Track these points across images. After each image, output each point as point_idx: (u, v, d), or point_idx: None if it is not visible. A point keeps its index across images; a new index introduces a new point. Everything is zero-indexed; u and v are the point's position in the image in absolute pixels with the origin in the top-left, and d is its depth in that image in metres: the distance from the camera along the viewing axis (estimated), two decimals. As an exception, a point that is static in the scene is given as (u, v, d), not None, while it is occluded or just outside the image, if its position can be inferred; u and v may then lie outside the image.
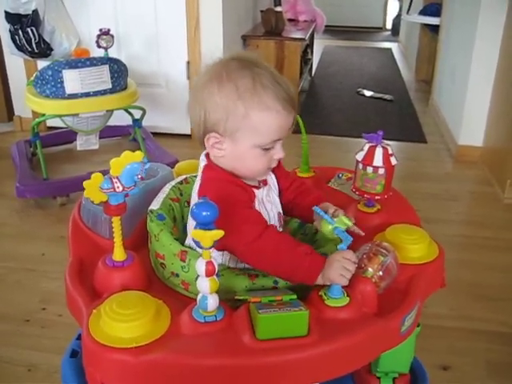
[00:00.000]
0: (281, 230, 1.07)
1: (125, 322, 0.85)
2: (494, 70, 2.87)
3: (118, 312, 0.86)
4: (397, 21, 7.42)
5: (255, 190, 1.01)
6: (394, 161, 1.15)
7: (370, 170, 1.15)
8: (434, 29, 4.34)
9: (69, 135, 2.80)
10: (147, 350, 0.83)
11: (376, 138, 1.15)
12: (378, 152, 1.14)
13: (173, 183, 1.17)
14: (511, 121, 2.55)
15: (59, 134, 3.00)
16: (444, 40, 3.92)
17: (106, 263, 0.99)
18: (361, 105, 4.19)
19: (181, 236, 1.09)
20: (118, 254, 0.98)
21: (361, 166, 1.17)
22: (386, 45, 7.05)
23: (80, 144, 2.54)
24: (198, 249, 0.85)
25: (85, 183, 0.91)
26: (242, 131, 0.95)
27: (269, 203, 1.05)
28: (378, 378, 1.26)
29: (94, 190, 0.92)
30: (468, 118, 3.00)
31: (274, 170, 1.08)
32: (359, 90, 4.51)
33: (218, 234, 0.79)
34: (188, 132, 3.33)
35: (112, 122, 2.62)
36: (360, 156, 1.17)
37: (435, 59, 4.16)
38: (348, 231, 0.95)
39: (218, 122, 0.96)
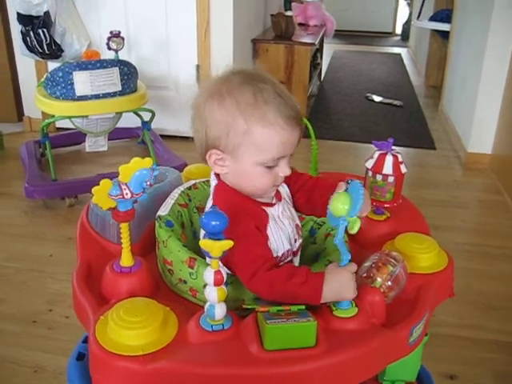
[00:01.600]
0: (300, 241, 1.05)
1: (132, 330, 0.85)
2: (505, 77, 2.86)
3: (126, 319, 0.86)
4: (407, 26, 7.42)
5: (269, 209, 0.99)
6: (403, 169, 1.14)
7: (379, 177, 1.15)
8: (444, 35, 4.33)
9: (78, 136, 2.82)
10: (154, 358, 0.82)
11: (386, 145, 1.14)
12: (388, 160, 1.13)
13: (181, 188, 1.16)
14: (521, 129, 2.54)
15: (68, 135, 3.01)
16: (454, 46, 3.90)
17: (114, 268, 0.99)
18: (370, 110, 4.18)
19: (189, 242, 1.09)
20: (126, 259, 0.98)
21: (370, 173, 1.16)
22: (396, 50, 7.04)
23: (89, 145, 2.55)
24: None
25: (93, 189, 0.91)
26: (243, 148, 0.93)
27: (286, 219, 1.01)
28: (385, 386, 1.26)
29: (102, 196, 0.91)
30: (478, 126, 2.99)
31: (287, 183, 1.06)
32: (368, 95, 4.51)
33: (227, 244, 0.79)
34: (196, 135, 3.33)
35: (121, 124, 2.63)
36: (370, 164, 1.16)
37: (445, 65, 4.15)
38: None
39: (218, 138, 0.94)
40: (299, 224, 1.07)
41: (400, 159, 1.15)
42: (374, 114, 4.09)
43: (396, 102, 4.29)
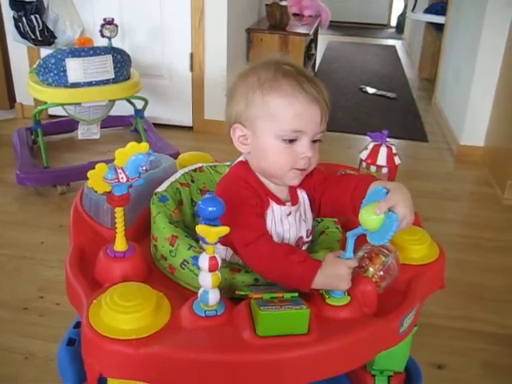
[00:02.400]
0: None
1: (125, 314, 0.85)
2: (498, 71, 2.87)
3: (119, 303, 0.86)
4: (402, 18, 7.41)
5: (274, 204, 0.98)
6: (397, 160, 1.15)
7: (373, 168, 1.15)
8: (439, 27, 4.33)
9: (70, 124, 2.80)
10: (147, 342, 0.83)
11: (381, 137, 1.15)
12: (382, 151, 1.14)
13: (186, 170, 1.18)
14: (513, 122, 2.55)
15: (60, 122, 2.99)
16: (448, 39, 3.91)
17: (107, 253, 0.99)
18: (363, 102, 4.18)
19: (188, 220, 1.12)
20: (120, 244, 0.98)
21: (364, 164, 1.17)
22: (391, 42, 7.04)
23: (81, 133, 2.53)
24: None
25: (89, 173, 0.91)
26: (261, 119, 0.94)
27: (287, 223, 1.00)
28: (373, 375, 1.27)
29: (97, 179, 0.91)
30: (470, 119, 3.00)
31: (310, 193, 1.04)
32: (362, 86, 4.51)
33: (223, 230, 0.79)
34: (190, 124, 3.32)
35: (114, 112, 2.61)
36: (364, 155, 1.17)
37: (439, 58, 4.15)
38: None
39: (240, 113, 0.96)
40: (304, 238, 1.03)
41: (394, 151, 1.16)
42: (367, 105, 4.09)
43: (390, 94, 4.29)
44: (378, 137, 1.15)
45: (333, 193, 1.01)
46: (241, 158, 1.02)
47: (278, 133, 0.93)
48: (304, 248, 1.04)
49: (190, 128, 3.30)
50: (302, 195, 1.03)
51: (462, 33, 3.44)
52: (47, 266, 1.87)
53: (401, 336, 0.98)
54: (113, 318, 0.85)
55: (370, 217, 0.83)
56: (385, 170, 1.15)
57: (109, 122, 2.78)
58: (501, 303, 1.82)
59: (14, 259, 1.92)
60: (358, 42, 6.85)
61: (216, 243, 0.80)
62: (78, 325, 1.37)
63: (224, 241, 0.84)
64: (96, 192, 1.12)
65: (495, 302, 1.82)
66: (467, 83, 3.05)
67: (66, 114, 2.53)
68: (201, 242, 0.96)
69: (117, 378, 0.88)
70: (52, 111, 3.19)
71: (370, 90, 4.41)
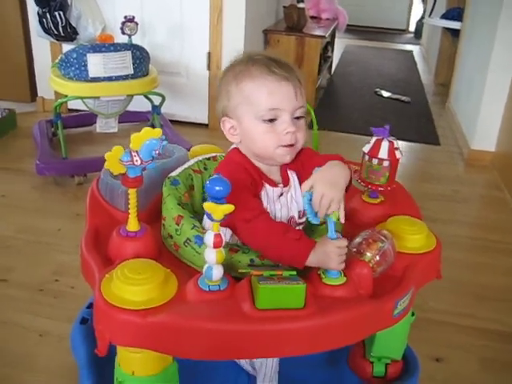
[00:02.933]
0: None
1: (135, 286, 0.91)
2: (510, 77, 2.89)
3: (129, 276, 0.92)
4: (420, 24, 7.42)
5: (267, 186, 1.05)
6: (398, 154, 1.20)
7: (375, 161, 1.20)
8: (456, 33, 4.35)
9: (89, 118, 2.89)
10: (154, 312, 0.89)
11: (383, 131, 1.20)
12: (384, 145, 1.19)
13: (200, 158, 1.24)
14: (524, 127, 2.58)
15: (79, 116, 3.08)
16: (464, 45, 3.94)
17: (120, 233, 1.05)
18: (378, 105, 4.22)
19: (195, 204, 1.17)
20: (132, 224, 1.04)
21: (367, 157, 1.22)
22: (408, 47, 7.06)
23: (100, 126, 2.61)
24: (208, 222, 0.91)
25: (106, 155, 0.97)
26: (240, 107, 1.02)
27: (279, 204, 1.06)
28: (371, 362, 1.32)
29: (114, 161, 0.98)
30: (482, 123, 3.03)
31: (299, 173, 1.10)
32: (377, 90, 4.55)
33: (228, 208, 0.85)
34: (205, 121, 3.39)
35: (132, 107, 2.69)
36: (366, 148, 1.22)
37: (454, 63, 4.18)
38: None
39: (225, 106, 1.05)
40: (295, 217, 1.09)
41: (395, 145, 1.21)
42: (381, 108, 4.13)
43: (404, 98, 4.32)
44: (380, 131, 1.20)
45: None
46: (234, 146, 1.10)
47: (257, 114, 1.01)
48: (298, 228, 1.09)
49: (205, 125, 3.37)
50: (293, 177, 1.10)
51: (477, 38, 3.47)
52: (63, 251, 1.94)
53: (395, 318, 1.02)
54: (123, 290, 0.91)
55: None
56: (386, 164, 1.20)
57: (126, 117, 2.85)
58: (504, 302, 1.86)
59: (31, 244, 2.00)
60: (376, 47, 6.88)
61: (221, 220, 0.86)
62: (90, 305, 1.44)
63: (224, 222, 0.90)
64: (112, 174, 1.20)
65: (499, 302, 1.86)
66: (480, 88, 3.08)
67: (85, 108, 2.61)
68: (203, 223, 1.04)
69: (125, 345, 0.94)
70: (71, 105, 3.28)
71: (385, 94, 4.44)
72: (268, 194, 1.05)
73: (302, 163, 1.09)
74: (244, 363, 1.34)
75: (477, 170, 3.00)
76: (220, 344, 0.88)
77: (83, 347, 1.33)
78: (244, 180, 1.01)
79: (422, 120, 3.92)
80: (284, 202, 1.07)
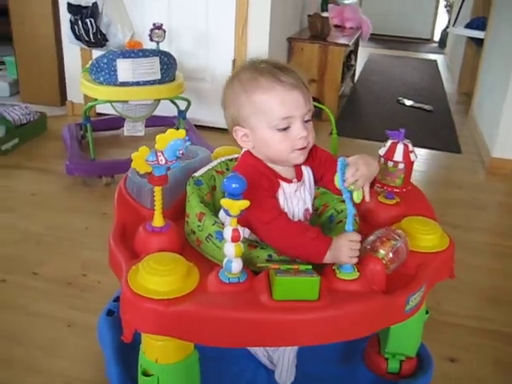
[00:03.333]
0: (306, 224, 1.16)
1: (159, 277, 0.97)
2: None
3: (154, 267, 0.99)
4: (445, 33, 7.42)
5: (284, 184, 1.11)
6: (413, 157, 1.24)
7: (390, 164, 1.25)
8: (479, 42, 4.36)
9: (116, 122, 2.98)
10: (177, 301, 0.95)
11: (398, 135, 1.24)
12: (399, 148, 1.24)
13: (223, 159, 1.30)
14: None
15: (108, 120, 3.18)
16: (487, 54, 3.95)
17: (146, 228, 1.11)
18: (400, 113, 4.25)
19: (217, 203, 1.22)
20: (158, 220, 1.10)
21: (382, 160, 1.26)
22: (432, 56, 7.05)
23: (127, 130, 2.69)
24: (227, 218, 0.97)
25: (133, 155, 1.04)
26: (253, 117, 1.07)
27: (296, 198, 1.13)
28: (386, 359, 1.36)
29: (140, 161, 1.05)
30: (503, 132, 3.05)
31: (314, 167, 1.16)
32: (400, 98, 4.57)
33: (244, 204, 0.91)
34: (229, 127, 3.45)
35: (158, 112, 2.77)
36: (382, 151, 1.27)
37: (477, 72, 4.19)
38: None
39: (235, 116, 1.10)
40: (310, 209, 1.16)
41: (410, 148, 1.25)
42: (403, 116, 4.16)
43: (426, 107, 4.34)
44: (395, 135, 1.25)
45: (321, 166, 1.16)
46: (245, 149, 1.15)
47: (271, 124, 1.06)
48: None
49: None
50: (307, 170, 1.16)
51: (499, 48, 3.48)
52: (91, 248, 2.02)
53: (407, 314, 1.06)
54: (148, 280, 0.97)
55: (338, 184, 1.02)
56: (401, 166, 1.24)
57: (153, 121, 2.93)
58: (519, 307, 1.88)
59: (60, 240, 2.08)
60: (399, 56, 6.90)
61: (238, 216, 0.91)
62: (117, 299, 1.50)
63: (243, 222, 0.95)
64: (138, 173, 1.27)
65: (513, 306, 1.88)
66: (501, 97, 3.09)
67: (113, 112, 2.70)
68: (220, 217, 1.10)
69: (149, 333, 1.00)
70: (100, 109, 3.38)
71: (408, 102, 4.46)
72: (285, 191, 1.11)
73: (319, 160, 1.16)
74: (262, 357, 1.39)
75: (497, 179, 3.02)
76: (238, 332, 0.94)
77: (109, 337, 1.40)
78: (260, 181, 1.06)
79: (444, 128, 3.93)
80: (300, 196, 1.13)
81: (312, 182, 1.17)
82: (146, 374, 1.08)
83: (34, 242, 2.07)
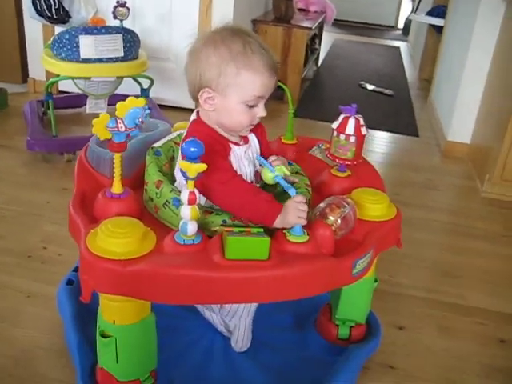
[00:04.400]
0: (257, 185, 1.22)
1: (117, 239, 1.01)
2: (486, 72, 3.02)
3: (112, 230, 1.03)
4: (408, 21, 7.54)
5: (234, 146, 1.17)
6: (364, 131, 1.30)
7: (342, 137, 1.31)
8: (440, 30, 4.46)
9: (79, 100, 2.97)
10: (134, 262, 0.99)
11: (350, 110, 1.30)
12: (351, 122, 1.30)
13: (182, 131, 1.33)
14: (496, 121, 2.70)
15: (70, 97, 3.15)
16: (445, 41, 4.06)
17: (105, 194, 1.15)
18: (361, 97, 4.33)
19: (173, 173, 1.25)
20: (117, 187, 1.14)
21: (335, 133, 1.32)
22: (396, 43, 7.18)
23: (89, 107, 2.68)
24: (184, 182, 1.01)
25: (94, 121, 1.07)
26: (232, 87, 1.12)
27: (246, 160, 1.20)
28: (337, 325, 1.43)
29: (100, 127, 1.08)
30: (458, 117, 3.15)
31: (257, 136, 1.24)
32: (362, 83, 4.66)
33: (201, 166, 0.95)
34: (193, 106, 3.46)
35: (121, 90, 2.76)
36: (335, 125, 1.32)
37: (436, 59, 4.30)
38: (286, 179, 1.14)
39: (211, 79, 1.13)
40: (259, 170, 1.23)
41: (361, 122, 1.31)
42: (364, 100, 4.24)
43: (387, 91, 4.44)
44: (348, 110, 1.30)
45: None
46: (193, 117, 1.21)
47: (243, 98, 1.12)
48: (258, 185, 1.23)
49: (192, 110, 3.44)
50: (251, 136, 1.23)
51: (456, 35, 3.58)
52: (51, 222, 2.03)
53: (354, 277, 1.13)
54: (106, 242, 1.01)
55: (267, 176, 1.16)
56: (352, 139, 1.30)
57: (116, 100, 2.86)
58: (463, 279, 1.97)
59: (20, 215, 2.08)
60: (364, 42, 7.00)
61: (195, 178, 0.96)
62: (76, 269, 1.52)
63: (199, 189, 1.00)
64: (99, 143, 1.30)
65: (459, 278, 1.98)
66: (456, 82, 3.20)
67: (75, 89, 2.68)
68: (177, 185, 1.15)
69: (106, 292, 1.04)
70: (62, 87, 3.35)
71: (369, 87, 4.56)
72: (236, 153, 1.18)
73: (261, 131, 1.25)
74: (219, 325, 1.44)
75: (452, 161, 3.13)
76: (191, 290, 0.99)
77: (69, 305, 1.43)
78: (214, 145, 1.11)
79: (404, 113, 4.03)
80: (250, 158, 1.21)
81: (257, 146, 1.25)
82: (104, 336, 1.12)
83: (-6, 216, 2.07)
